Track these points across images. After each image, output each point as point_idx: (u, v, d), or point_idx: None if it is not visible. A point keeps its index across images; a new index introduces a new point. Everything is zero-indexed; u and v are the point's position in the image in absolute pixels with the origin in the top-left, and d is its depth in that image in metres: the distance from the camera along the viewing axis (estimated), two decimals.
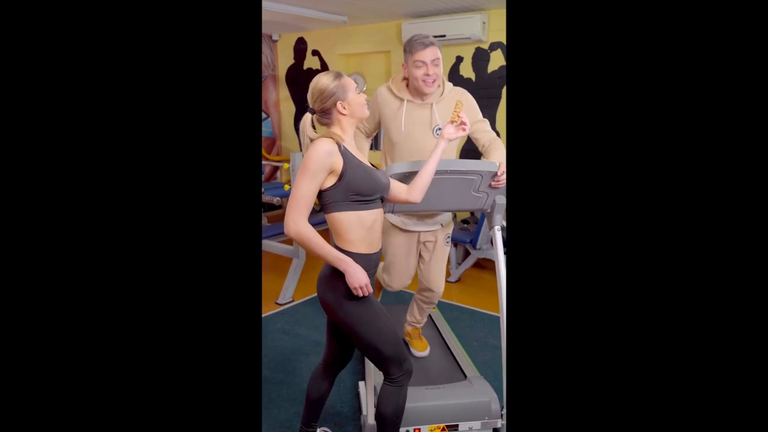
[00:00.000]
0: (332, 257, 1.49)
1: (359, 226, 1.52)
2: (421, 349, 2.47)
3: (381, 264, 2.31)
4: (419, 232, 2.21)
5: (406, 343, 2.52)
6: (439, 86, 2.04)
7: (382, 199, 1.60)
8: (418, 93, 2.03)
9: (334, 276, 1.53)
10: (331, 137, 1.49)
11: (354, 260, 1.51)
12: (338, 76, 1.53)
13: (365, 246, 1.55)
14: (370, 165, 1.58)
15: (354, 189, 1.48)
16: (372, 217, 1.54)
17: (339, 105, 1.52)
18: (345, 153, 1.49)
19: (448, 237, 2.31)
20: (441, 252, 2.29)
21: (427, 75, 1.95)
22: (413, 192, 1.68)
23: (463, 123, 1.69)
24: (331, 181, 1.48)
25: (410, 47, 1.98)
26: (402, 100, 2.05)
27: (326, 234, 2.73)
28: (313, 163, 1.43)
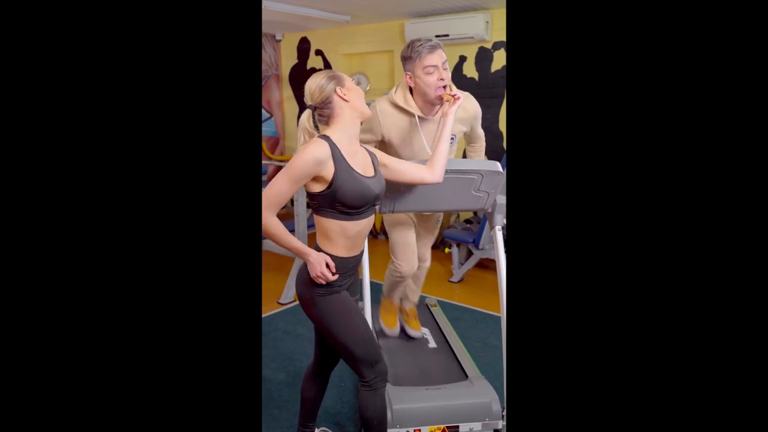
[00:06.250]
0: (294, 248, 1.49)
1: (341, 235, 1.51)
2: (416, 328, 2.56)
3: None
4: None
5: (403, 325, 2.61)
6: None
7: (375, 203, 1.57)
8: (427, 104, 1.89)
9: (308, 272, 1.53)
10: (328, 139, 1.45)
11: (333, 261, 1.51)
12: (331, 72, 1.52)
13: (345, 250, 1.54)
14: (365, 175, 1.50)
15: (341, 201, 1.45)
16: (357, 228, 1.52)
17: (338, 90, 1.47)
18: (338, 160, 1.44)
19: (437, 220, 2.40)
20: (432, 226, 2.37)
21: (441, 79, 1.80)
22: (434, 172, 1.67)
23: (455, 96, 1.73)
24: (319, 188, 1.45)
25: (415, 53, 1.82)
26: (412, 115, 1.91)
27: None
28: (298, 167, 1.40)
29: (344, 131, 1.50)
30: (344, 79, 1.51)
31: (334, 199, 1.45)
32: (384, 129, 1.94)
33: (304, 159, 1.39)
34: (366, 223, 1.55)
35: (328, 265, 1.50)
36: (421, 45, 1.82)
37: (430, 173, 1.66)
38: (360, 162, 1.52)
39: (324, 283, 1.51)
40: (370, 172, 1.54)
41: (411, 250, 2.23)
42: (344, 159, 1.45)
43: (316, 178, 1.44)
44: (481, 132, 2.19)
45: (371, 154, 1.61)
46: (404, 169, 1.65)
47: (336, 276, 1.52)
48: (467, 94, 2.00)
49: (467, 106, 2.00)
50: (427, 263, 2.46)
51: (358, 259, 1.62)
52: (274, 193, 1.43)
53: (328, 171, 1.42)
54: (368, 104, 1.57)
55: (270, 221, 1.44)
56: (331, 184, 1.43)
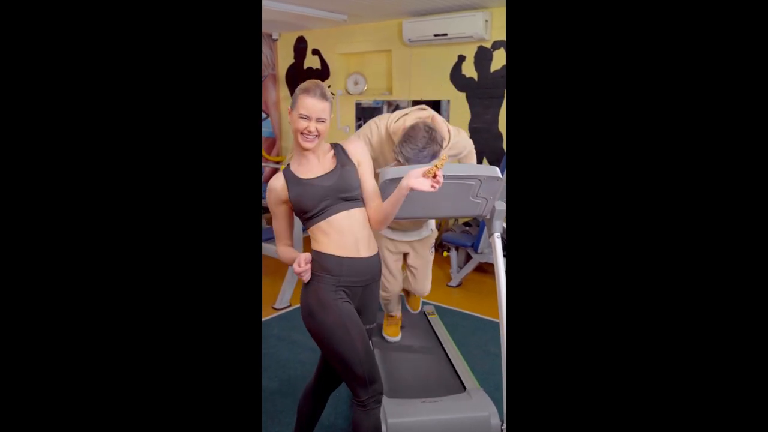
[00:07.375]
0: (287, 260, 1.61)
1: (323, 235, 1.56)
2: (415, 308, 2.74)
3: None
4: (399, 241, 2.35)
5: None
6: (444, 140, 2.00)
7: (351, 199, 1.56)
8: None
9: (310, 284, 1.55)
10: (286, 168, 1.60)
11: (325, 261, 1.54)
12: (304, 90, 1.49)
13: (335, 248, 1.54)
14: (314, 176, 1.55)
15: (298, 208, 1.56)
16: (333, 226, 1.54)
17: (290, 111, 1.54)
18: (289, 179, 1.56)
19: (432, 247, 2.44)
20: (426, 263, 2.43)
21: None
22: (378, 224, 1.61)
23: (436, 179, 1.41)
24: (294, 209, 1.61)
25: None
26: None
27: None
28: (268, 201, 1.61)
29: (295, 151, 1.60)
30: (297, 100, 1.49)
31: (297, 211, 1.58)
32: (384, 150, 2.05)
33: (267, 194, 1.60)
34: (342, 218, 1.54)
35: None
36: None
37: (375, 221, 1.60)
38: (313, 168, 1.57)
39: (305, 280, 1.55)
40: (328, 170, 1.57)
41: (396, 270, 2.41)
42: (294, 175, 1.57)
43: (288, 203, 1.58)
44: (473, 158, 2.25)
45: (341, 152, 1.62)
46: (366, 194, 1.61)
47: (308, 265, 1.52)
48: (457, 129, 2.14)
49: (455, 144, 2.10)
50: (427, 292, 2.55)
51: (360, 266, 1.56)
52: (274, 231, 1.65)
53: (285, 192, 1.57)
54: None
55: (279, 250, 1.65)
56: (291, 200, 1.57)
